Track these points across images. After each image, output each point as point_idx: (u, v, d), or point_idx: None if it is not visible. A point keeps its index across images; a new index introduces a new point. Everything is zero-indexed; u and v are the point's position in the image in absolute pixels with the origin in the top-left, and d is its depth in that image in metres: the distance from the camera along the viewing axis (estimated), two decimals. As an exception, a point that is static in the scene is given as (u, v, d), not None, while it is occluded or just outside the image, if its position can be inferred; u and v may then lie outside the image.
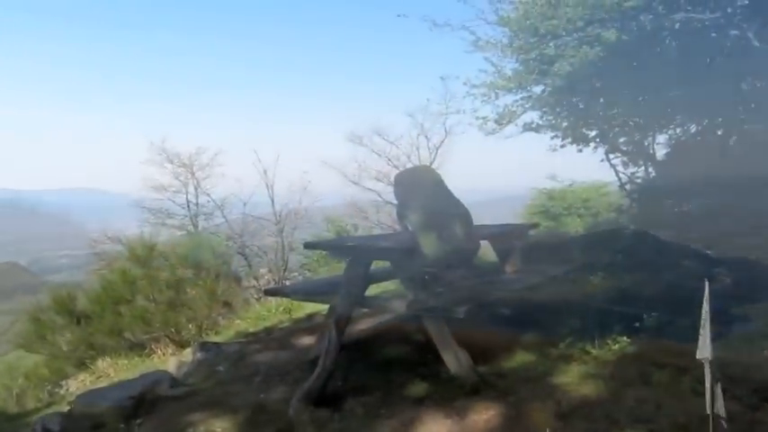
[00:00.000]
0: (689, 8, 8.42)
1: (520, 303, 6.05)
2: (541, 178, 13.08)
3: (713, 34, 8.63)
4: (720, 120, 5.90)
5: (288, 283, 15.20)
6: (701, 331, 2.70)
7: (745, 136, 6.15)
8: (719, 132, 5.66)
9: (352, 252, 5.28)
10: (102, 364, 9.18)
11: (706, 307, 2.65)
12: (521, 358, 5.10)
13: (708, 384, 2.72)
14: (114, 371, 8.81)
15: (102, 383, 7.66)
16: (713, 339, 2.73)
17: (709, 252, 4.93)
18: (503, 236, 6.08)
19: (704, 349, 2.72)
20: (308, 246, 6.18)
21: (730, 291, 4.77)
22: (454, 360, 4.60)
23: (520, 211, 15.88)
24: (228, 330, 9.32)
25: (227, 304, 11.88)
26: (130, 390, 5.23)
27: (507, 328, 5.54)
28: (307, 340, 6.42)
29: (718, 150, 4.77)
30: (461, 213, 4.60)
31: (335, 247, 6.13)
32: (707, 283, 2.67)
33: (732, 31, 8.63)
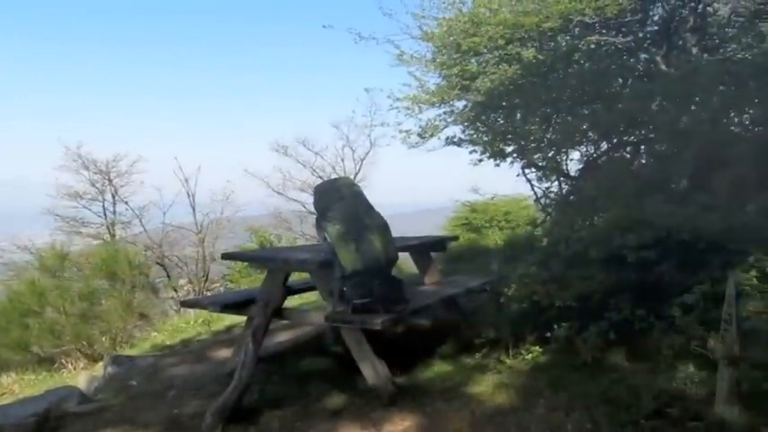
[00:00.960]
0: (603, 31, 8.80)
1: (439, 314, 6.14)
2: (465, 191, 13.35)
3: (625, 57, 9.02)
4: (631, 138, 6.24)
5: (209, 293, 14.88)
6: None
7: (653, 154, 6.52)
8: (629, 149, 6.00)
9: (270, 263, 5.24)
10: (7, 380, 8.70)
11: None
12: (438, 368, 5.17)
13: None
14: (20, 387, 8.37)
15: (6, 400, 7.27)
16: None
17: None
18: (422, 248, 6.17)
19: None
20: (225, 257, 6.05)
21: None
22: (372, 371, 4.62)
23: (443, 223, 16.12)
24: (144, 343, 9.02)
25: (143, 316, 11.56)
26: (35, 407, 4.95)
27: (425, 339, 5.61)
28: (224, 353, 6.31)
29: (627, 167, 5.07)
30: (380, 225, 4.62)
31: (253, 258, 6.05)
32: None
33: (643, 54, 9.08)
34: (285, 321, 6.09)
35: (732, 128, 4.93)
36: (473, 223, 14.08)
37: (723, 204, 4.14)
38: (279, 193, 18.42)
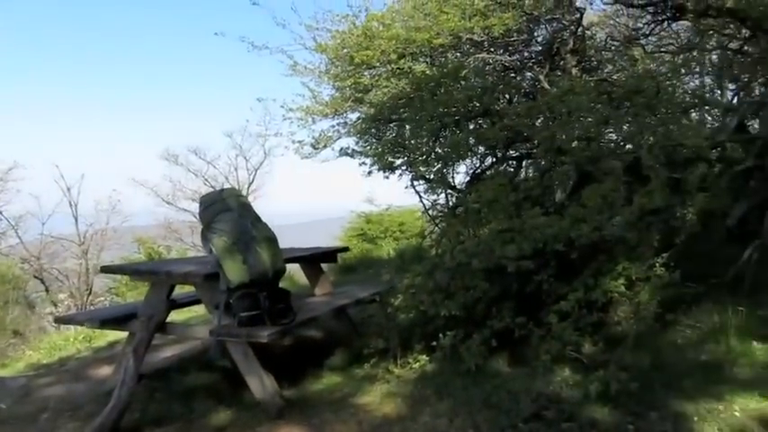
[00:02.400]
0: (491, 50, 9.16)
1: (328, 326, 6.14)
2: (362, 202, 13.46)
3: (512, 75, 9.41)
4: (515, 153, 6.53)
5: (92, 308, 14.15)
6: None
7: (535, 168, 6.87)
8: (513, 164, 6.28)
9: (153, 276, 5.06)
10: None
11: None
12: (327, 380, 5.16)
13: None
14: None
15: None
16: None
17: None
18: (313, 259, 6.15)
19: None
20: (105, 270, 5.79)
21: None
22: (259, 385, 4.55)
23: (339, 233, 16.18)
24: (17, 363, 8.42)
25: (17, 333, 10.83)
26: None
27: (315, 351, 5.59)
28: (105, 371, 6.00)
29: (509, 180, 5.28)
30: (267, 236, 4.56)
31: (135, 271, 5.78)
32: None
33: (528, 73, 9.50)
34: (171, 336, 5.88)
35: (604, 144, 5.21)
36: (368, 234, 14.25)
37: (594, 216, 4.38)
38: (169, 202, 17.85)
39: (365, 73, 8.74)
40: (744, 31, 8.73)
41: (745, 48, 8.92)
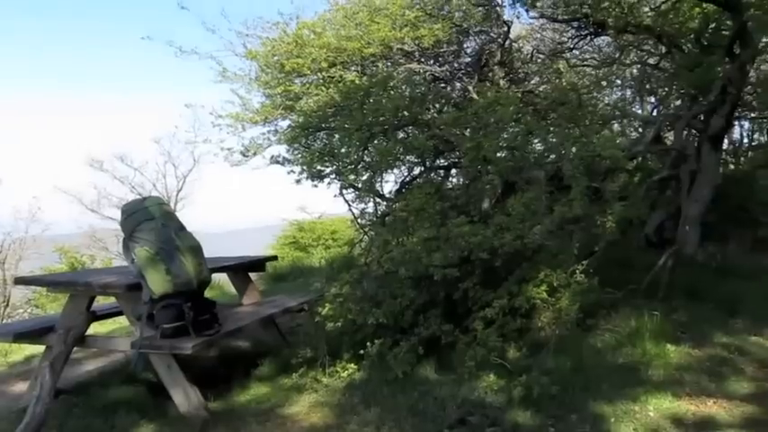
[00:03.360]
0: (422, 60, 9.28)
1: (256, 336, 6.06)
2: (295, 209, 13.37)
3: (442, 85, 9.56)
4: (443, 162, 6.65)
5: (10, 320, 13.50)
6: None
7: (462, 177, 7.03)
8: (441, 173, 6.38)
9: (71, 287, 4.87)
10: None
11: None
12: (255, 391, 5.08)
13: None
14: None
15: None
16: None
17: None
18: (240, 268, 6.06)
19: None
20: (19, 281, 5.53)
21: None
22: (183, 398, 4.44)
23: (272, 242, 16.01)
24: (-75, 381, 7.94)
25: (-77, 350, 10.18)
26: None
27: (242, 362, 5.51)
28: (20, 386, 5.73)
29: (437, 189, 5.37)
30: (192, 246, 4.46)
31: (53, 282, 5.55)
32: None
33: (457, 83, 9.67)
34: (93, 349, 5.68)
35: (528, 154, 5.35)
36: (300, 242, 14.18)
37: (517, 225, 4.50)
38: (93, 210, 17.17)
39: (296, 81, 8.69)
40: (660, 47, 9.18)
41: (662, 63, 9.37)
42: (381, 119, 5.63)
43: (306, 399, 4.76)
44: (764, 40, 7.60)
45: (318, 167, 5.50)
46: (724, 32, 8.05)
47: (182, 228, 4.56)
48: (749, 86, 8.70)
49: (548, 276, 4.62)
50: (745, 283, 6.21)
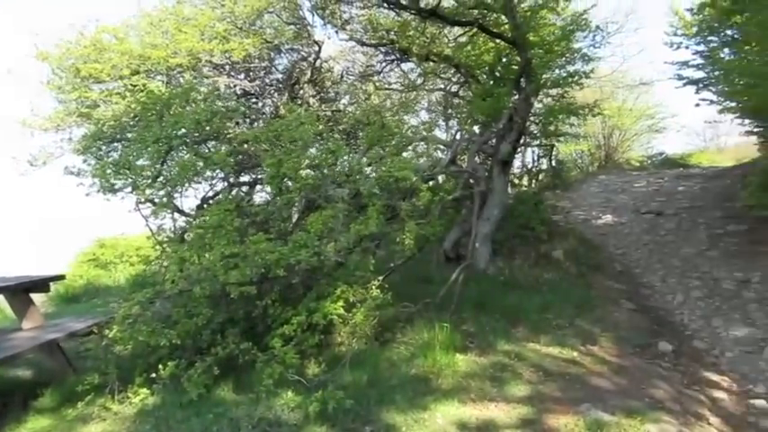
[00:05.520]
0: (232, 74, 9.15)
1: (38, 363, 5.55)
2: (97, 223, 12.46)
3: (254, 100, 9.50)
4: (246, 178, 6.61)
5: None
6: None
7: (268, 194, 7.07)
8: (245, 189, 6.33)
9: None
10: None
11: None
12: (33, 424, 4.65)
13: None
14: None
15: None
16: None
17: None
18: (18, 290, 5.52)
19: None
20: None
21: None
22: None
23: (70, 259, 14.75)
24: None
25: None
26: None
27: (19, 392, 5.00)
28: None
29: (236, 205, 5.31)
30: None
31: None
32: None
33: (268, 99, 9.66)
34: None
35: (329, 174, 5.45)
36: (101, 259, 13.20)
37: (315, 242, 4.56)
38: None
39: (94, 87, 8.15)
40: (459, 76, 9.89)
41: (461, 91, 10.09)
42: (182, 131, 5.45)
43: (92, 429, 4.43)
44: (545, 76, 8.44)
45: (111, 181, 5.17)
46: (513, 67, 8.87)
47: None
48: (534, 116, 9.63)
49: (344, 292, 4.73)
50: (527, 294, 6.80)
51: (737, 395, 5.11)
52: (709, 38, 9.66)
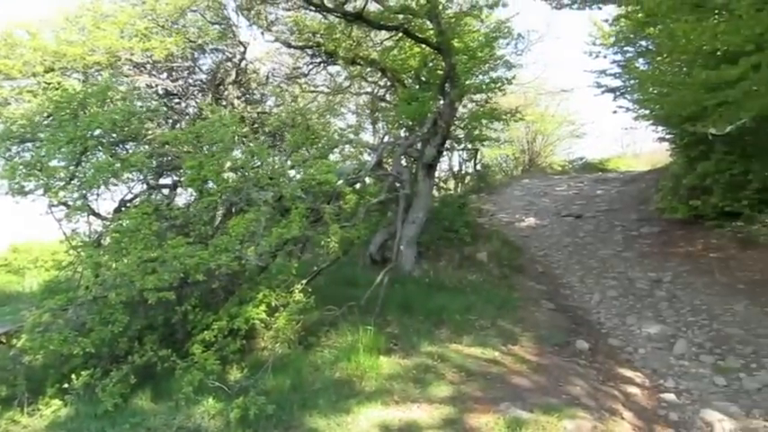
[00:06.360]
0: (154, 73, 8.91)
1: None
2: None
3: (176, 101, 9.27)
4: (167, 180, 6.47)
5: None
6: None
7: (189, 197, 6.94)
8: (166, 192, 6.19)
9: None
10: None
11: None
12: (-69, 441, 4.38)
13: None
14: None
15: None
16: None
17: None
18: None
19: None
20: None
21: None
22: None
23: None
24: None
25: None
26: None
27: None
28: None
29: (155, 209, 5.20)
30: None
31: None
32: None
33: (191, 100, 9.45)
34: None
35: (252, 177, 5.38)
36: (13, 264, 12.62)
37: (236, 246, 4.49)
38: None
39: (4, 84, 7.75)
40: (385, 80, 9.96)
41: (387, 95, 10.17)
42: (98, 132, 5.27)
43: (-3, 443, 4.22)
44: (469, 81, 8.61)
45: (22, 183, 4.94)
46: (439, 72, 9.00)
47: None
48: (458, 121, 9.79)
49: (266, 296, 4.68)
50: (451, 296, 6.89)
51: (649, 390, 5.35)
52: (626, 48, 10.04)
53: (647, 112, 9.96)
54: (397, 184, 7.51)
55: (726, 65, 6.30)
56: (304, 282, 4.94)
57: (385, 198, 6.94)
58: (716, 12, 6.42)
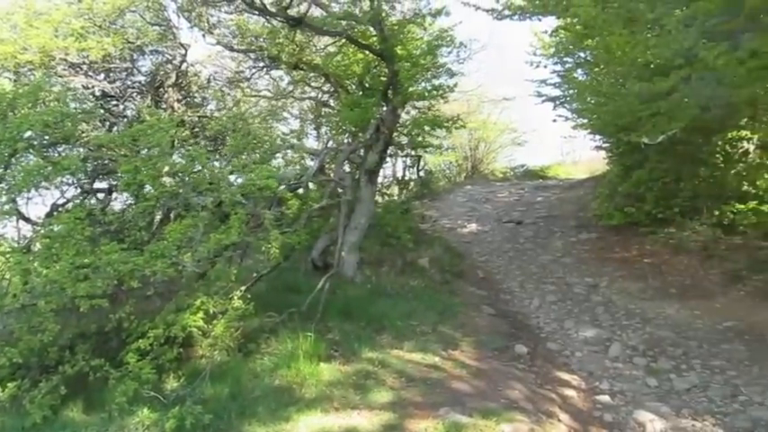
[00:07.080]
0: (90, 74, 8.67)
1: None
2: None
3: (114, 103, 9.05)
4: (103, 185, 6.32)
5: None
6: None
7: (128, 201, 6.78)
8: (101, 196, 6.04)
9: None
10: None
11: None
12: None
13: None
14: None
15: None
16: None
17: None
18: None
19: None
20: None
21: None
22: None
23: None
24: None
25: None
26: None
27: None
28: None
29: (88, 213, 5.06)
30: None
31: None
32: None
33: (129, 102, 9.23)
34: None
35: (191, 181, 5.29)
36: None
37: (172, 252, 4.40)
38: None
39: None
40: (329, 85, 9.96)
41: (330, 100, 10.16)
42: (28, 134, 5.10)
43: None
44: (412, 88, 8.68)
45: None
46: (382, 78, 9.05)
47: None
48: (401, 127, 9.85)
49: (204, 303, 4.60)
50: (393, 302, 6.93)
51: (585, 392, 5.50)
52: (565, 59, 10.29)
53: (586, 121, 10.24)
54: (340, 190, 7.51)
55: (658, 77, 6.56)
56: (243, 288, 4.88)
57: (327, 204, 6.93)
58: (648, 26, 6.66)
